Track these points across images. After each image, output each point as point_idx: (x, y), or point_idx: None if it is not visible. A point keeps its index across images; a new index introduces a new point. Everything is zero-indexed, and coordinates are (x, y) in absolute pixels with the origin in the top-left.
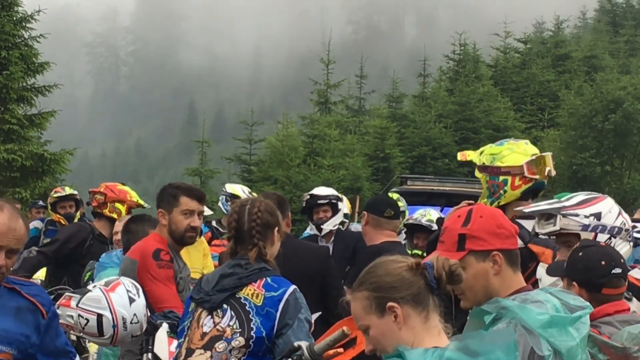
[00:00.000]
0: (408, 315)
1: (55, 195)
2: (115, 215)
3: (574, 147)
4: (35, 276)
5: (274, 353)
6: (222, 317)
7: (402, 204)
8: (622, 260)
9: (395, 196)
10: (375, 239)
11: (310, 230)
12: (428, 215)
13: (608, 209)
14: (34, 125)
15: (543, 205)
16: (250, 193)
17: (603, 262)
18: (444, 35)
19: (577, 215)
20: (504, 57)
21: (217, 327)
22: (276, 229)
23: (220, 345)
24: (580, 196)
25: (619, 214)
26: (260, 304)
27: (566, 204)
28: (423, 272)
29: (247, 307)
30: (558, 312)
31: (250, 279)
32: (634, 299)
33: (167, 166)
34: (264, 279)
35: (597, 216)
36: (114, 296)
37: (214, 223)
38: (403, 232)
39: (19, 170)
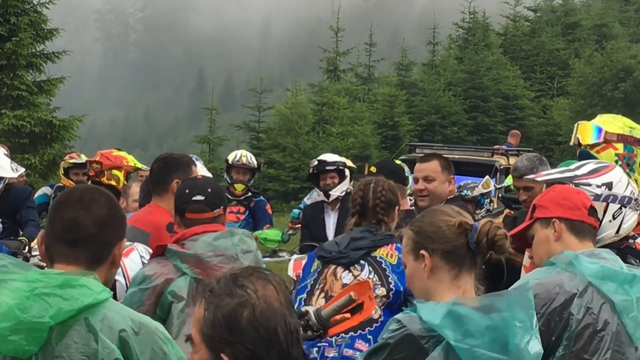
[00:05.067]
0: (437, 267)
1: (71, 161)
2: (113, 183)
3: (583, 116)
4: (34, 243)
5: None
6: (361, 271)
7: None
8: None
9: (397, 162)
10: None
11: (307, 199)
12: None
13: (618, 178)
14: (43, 91)
15: (555, 174)
16: (250, 157)
17: (187, 190)
18: (453, 3)
19: (589, 184)
20: (514, 25)
21: (358, 278)
22: (397, 207)
23: None
24: (590, 165)
25: (628, 183)
26: (395, 263)
27: (577, 172)
28: (465, 233)
29: (383, 265)
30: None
31: (382, 242)
32: None
33: (176, 133)
34: (394, 243)
35: (609, 186)
36: (127, 262)
37: None
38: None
39: (28, 137)
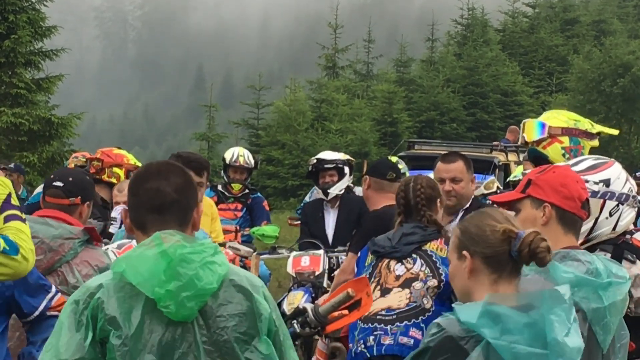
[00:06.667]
0: (477, 269)
1: (84, 159)
2: (114, 180)
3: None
4: None
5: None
6: (414, 264)
7: (401, 166)
8: None
9: (394, 159)
10: (377, 203)
11: (309, 197)
12: None
13: (617, 175)
14: (41, 89)
15: None
16: (248, 157)
17: (52, 176)
18: None
19: (587, 181)
20: (512, 22)
21: (410, 271)
22: (438, 200)
23: (417, 285)
24: (589, 161)
25: (627, 180)
26: (445, 256)
27: (575, 168)
28: (509, 240)
29: (433, 258)
30: (597, 276)
31: (432, 237)
32: (638, 262)
33: (175, 131)
34: (443, 238)
35: (607, 183)
36: None
37: (219, 187)
38: None
39: (27, 135)
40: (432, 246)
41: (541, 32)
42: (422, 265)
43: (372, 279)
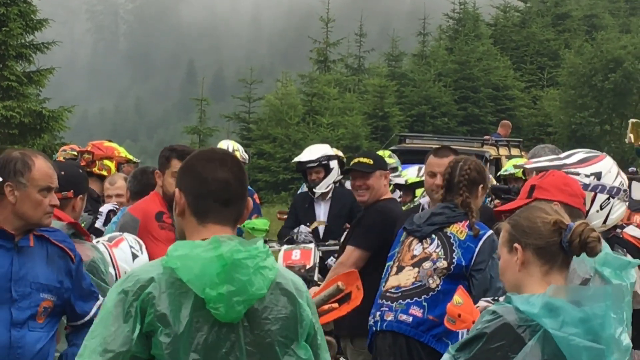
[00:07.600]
0: (528, 261)
1: (74, 152)
2: (104, 173)
3: (573, 106)
4: None
5: (470, 285)
6: (430, 245)
7: (394, 160)
8: None
9: (387, 153)
10: (385, 196)
11: (302, 189)
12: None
13: (608, 168)
14: (32, 82)
15: (544, 162)
16: (243, 152)
17: None
18: None
19: (578, 174)
20: (504, 16)
21: (425, 251)
22: (481, 186)
23: (426, 264)
24: (581, 154)
25: (618, 173)
26: (463, 238)
27: (567, 161)
28: (559, 231)
29: (451, 240)
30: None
31: (457, 219)
32: (629, 256)
33: (166, 124)
34: (467, 221)
35: (597, 176)
36: (117, 252)
37: None
38: (397, 189)
39: (17, 128)
40: (454, 228)
41: (533, 26)
42: (437, 246)
43: (397, 255)
